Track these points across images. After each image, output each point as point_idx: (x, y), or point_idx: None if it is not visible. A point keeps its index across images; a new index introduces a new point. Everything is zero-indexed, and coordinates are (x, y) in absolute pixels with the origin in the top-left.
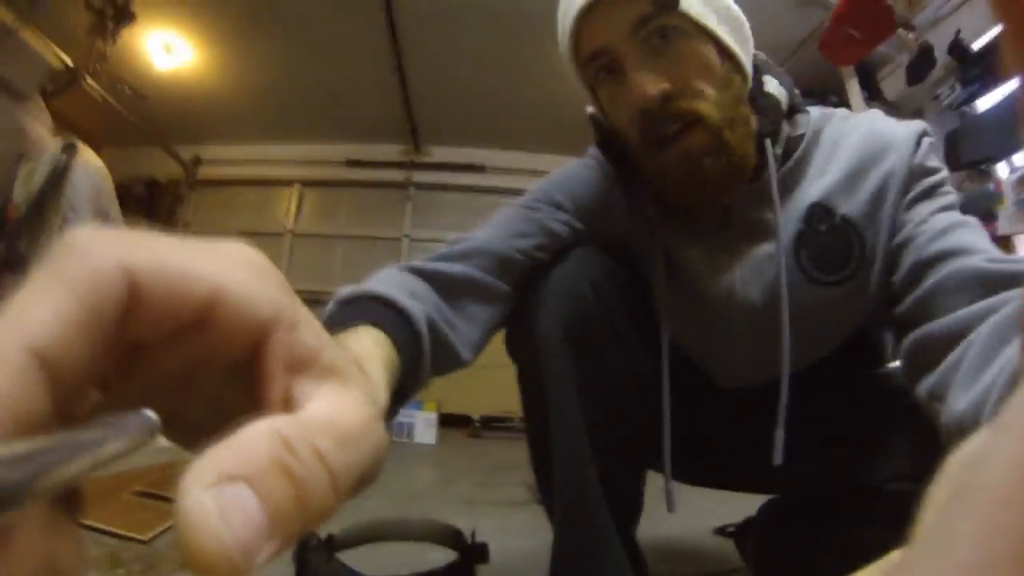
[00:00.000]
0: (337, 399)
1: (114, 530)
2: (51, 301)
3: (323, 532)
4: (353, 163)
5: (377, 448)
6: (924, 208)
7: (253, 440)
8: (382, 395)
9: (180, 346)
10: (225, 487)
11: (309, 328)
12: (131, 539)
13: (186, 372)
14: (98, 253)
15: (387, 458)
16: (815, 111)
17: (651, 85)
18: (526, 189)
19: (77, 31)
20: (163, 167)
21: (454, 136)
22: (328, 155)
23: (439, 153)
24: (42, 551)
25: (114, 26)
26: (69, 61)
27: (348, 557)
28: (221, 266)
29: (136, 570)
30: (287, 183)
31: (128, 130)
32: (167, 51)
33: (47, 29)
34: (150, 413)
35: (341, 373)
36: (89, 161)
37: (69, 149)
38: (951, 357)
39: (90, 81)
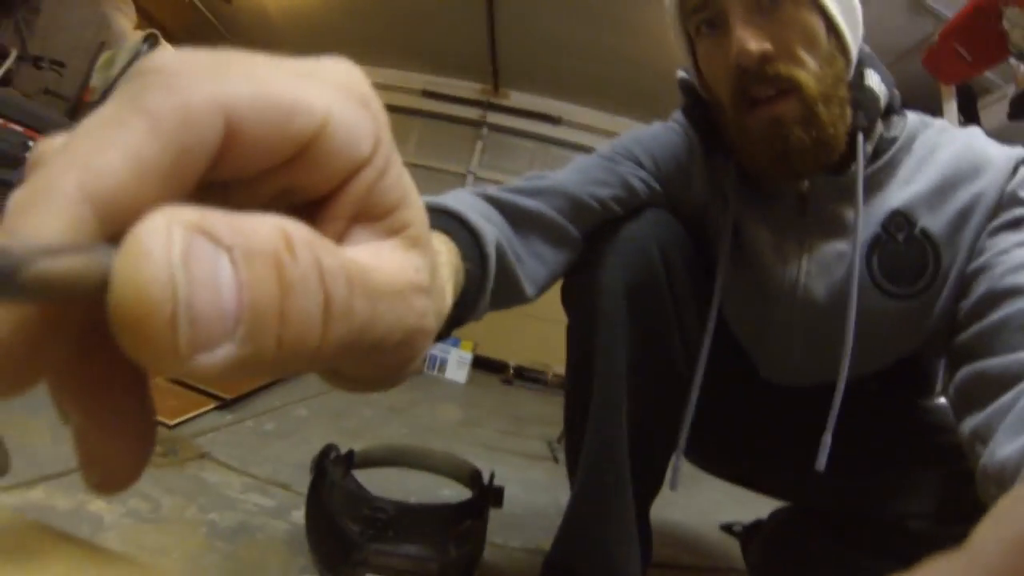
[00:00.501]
0: (386, 252)
1: None
2: (127, 139)
3: (345, 448)
4: (429, 94)
5: (405, 320)
6: (1008, 238)
7: (253, 220)
8: (447, 294)
9: (267, 181)
10: (200, 239)
11: (398, 179)
12: (157, 422)
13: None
14: (190, 85)
15: (425, 355)
16: (913, 116)
17: (754, 42)
18: (597, 148)
19: None
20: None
21: (534, 83)
22: (405, 82)
23: (517, 98)
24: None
25: None
26: None
27: (364, 476)
28: (330, 92)
29: (157, 452)
30: None
31: (209, 32)
32: None
33: None
34: None
35: (412, 238)
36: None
37: (151, 39)
38: (1003, 399)
39: None
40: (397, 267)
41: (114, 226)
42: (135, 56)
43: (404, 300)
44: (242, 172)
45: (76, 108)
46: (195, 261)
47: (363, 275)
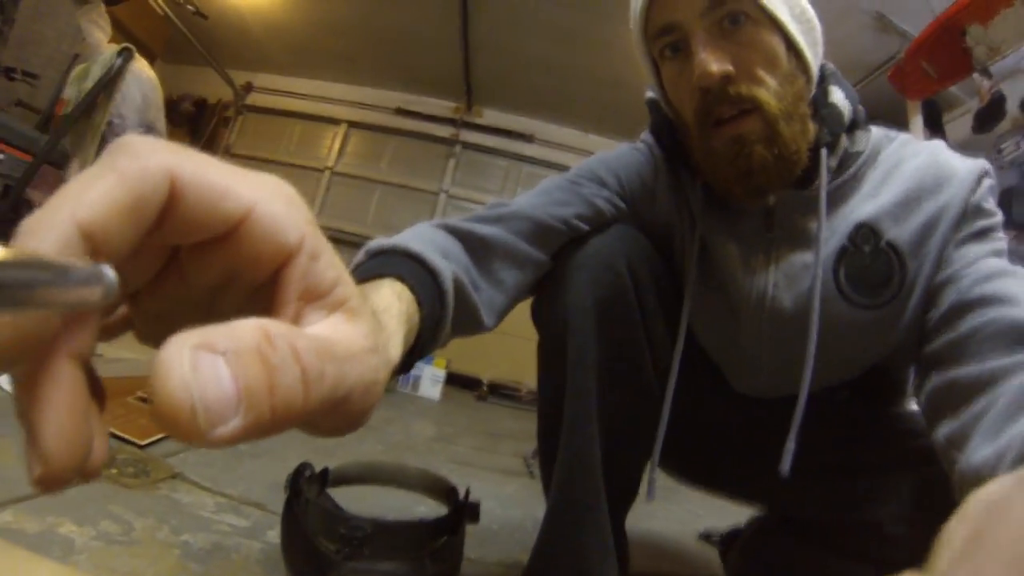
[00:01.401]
0: (337, 325)
1: (113, 431)
2: (102, 186)
3: (319, 466)
4: (403, 112)
5: (364, 376)
6: (974, 249)
7: (239, 327)
8: (394, 346)
9: (209, 260)
10: (203, 353)
11: (329, 261)
12: (128, 442)
13: (211, 291)
14: (148, 154)
15: (379, 402)
16: (877, 131)
17: (715, 64)
18: (571, 166)
19: None
20: (214, 88)
21: (508, 102)
22: (379, 100)
23: (490, 116)
24: (77, 413)
25: None
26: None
27: (339, 494)
28: (257, 188)
29: (128, 472)
30: (334, 122)
31: (184, 47)
32: None
33: None
34: (108, 270)
35: (352, 309)
36: (142, 71)
37: (125, 54)
38: (976, 406)
39: None
40: (350, 335)
41: (96, 247)
42: (109, 69)
43: (361, 361)
44: (185, 235)
45: (48, 120)
46: (201, 368)
47: (328, 347)
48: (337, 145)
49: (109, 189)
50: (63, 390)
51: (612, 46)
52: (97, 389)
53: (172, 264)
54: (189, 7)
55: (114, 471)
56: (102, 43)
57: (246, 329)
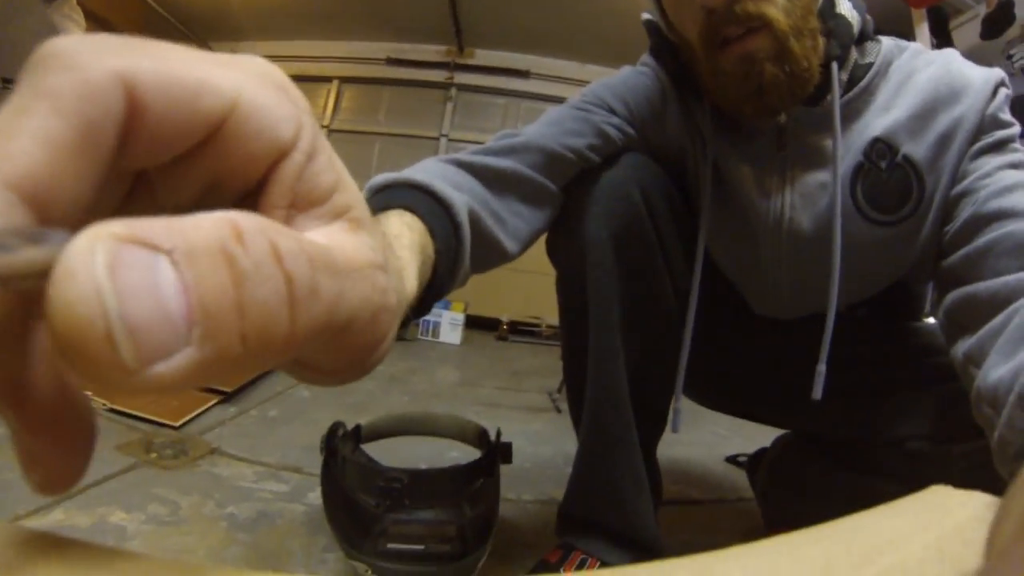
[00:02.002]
0: (336, 235)
1: (147, 416)
2: (33, 123)
3: (351, 424)
4: (394, 61)
5: (370, 298)
6: (991, 161)
7: (194, 219)
8: (408, 277)
9: (184, 173)
10: (130, 247)
11: (328, 162)
12: (163, 425)
13: (187, 209)
14: (88, 62)
15: (392, 341)
16: (887, 41)
17: None
18: (569, 97)
19: None
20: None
21: (499, 39)
22: (369, 52)
23: (483, 56)
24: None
25: None
26: None
27: (373, 448)
28: (239, 75)
29: (168, 454)
30: (325, 79)
31: (163, 27)
32: None
33: None
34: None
35: (356, 219)
36: None
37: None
38: (993, 322)
39: None
40: (353, 246)
41: (42, 207)
42: None
43: (366, 278)
44: (156, 154)
45: None
46: (125, 270)
47: (324, 254)
48: (331, 103)
49: (43, 127)
50: (43, 383)
51: None
52: None
53: (138, 187)
54: None
55: (153, 455)
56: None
57: (205, 222)
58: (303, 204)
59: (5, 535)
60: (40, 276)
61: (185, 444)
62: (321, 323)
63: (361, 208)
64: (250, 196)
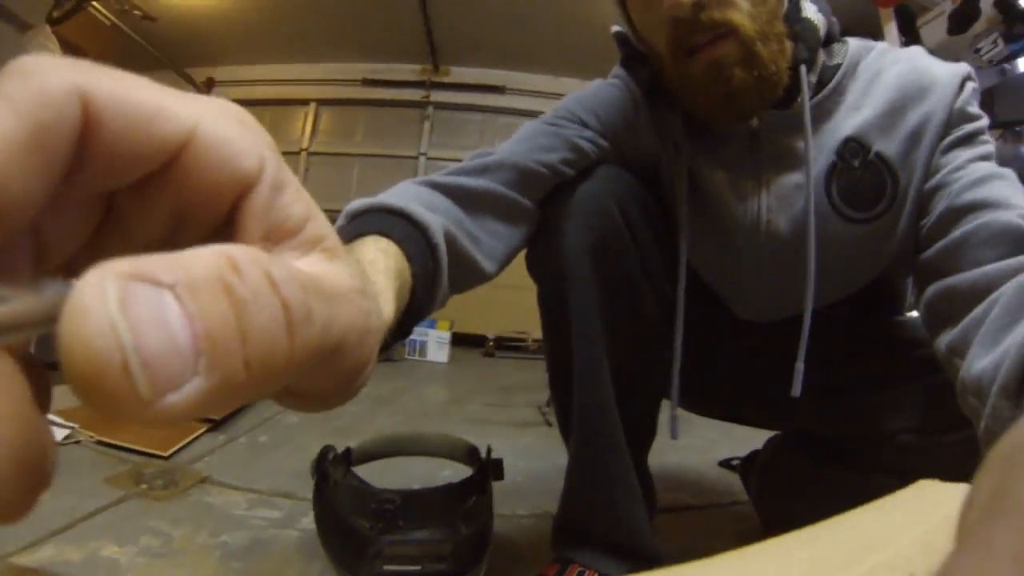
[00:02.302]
0: (316, 264)
1: (136, 447)
2: None
3: (340, 447)
4: (370, 82)
5: (356, 321)
6: (961, 154)
7: (190, 253)
8: (384, 301)
9: (150, 203)
10: (136, 284)
11: (297, 194)
12: (152, 455)
13: (159, 245)
14: (48, 74)
15: (374, 364)
16: (854, 42)
17: None
18: (546, 111)
19: None
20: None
21: (473, 56)
22: (344, 74)
23: (458, 73)
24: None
25: None
26: None
27: (364, 471)
28: (198, 107)
29: (158, 485)
30: (302, 102)
31: (139, 54)
32: None
33: None
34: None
35: (330, 249)
36: None
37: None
38: (974, 313)
39: (97, 5)
40: (335, 273)
41: None
42: None
43: (351, 302)
44: (114, 175)
45: None
46: (135, 305)
47: (314, 281)
48: (309, 125)
49: None
50: (9, 399)
51: None
52: (38, 376)
53: (109, 221)
54: (136, 12)
55: (143, 487)
56: None
57: (202, 255)
58: (277, 236)
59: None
60: (38, 325)
61: (175, 474)
62: (315, 347)
63: (333, 237)
64: (221, 232)
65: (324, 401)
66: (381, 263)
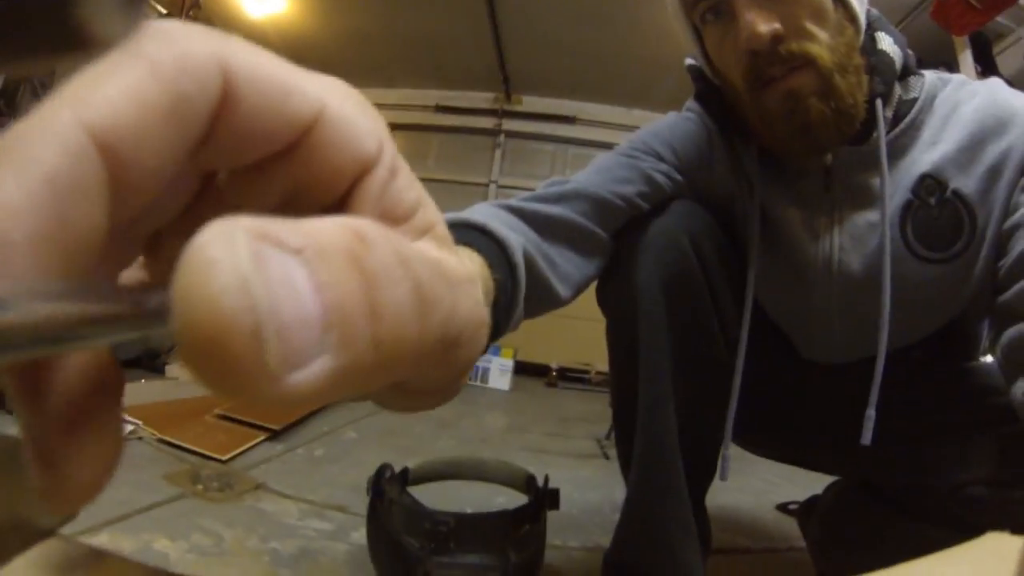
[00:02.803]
0: (431, 249)
1: (196, 448)
2: (125, 78)
3: (399, 466)
4: (442, 108)
5: (473, 311)
6: None
7: (317, 222)
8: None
9: (263, 182)
10: (266, 246)
11: (410, 179)
12: (211, 458)
13: None
14: (191, 39)
15: (483, 348)
16: (930, 75)
17: (762, 24)
18: (617, 142)
19: None
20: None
21: (545, 86)
22: (418, 100)
23: (530, 102)
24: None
25: None
26: (161, 8)
27: (419, 491)
28: (325, 87)
29: (214, 487)
30: None
31: None
32: None
33: None
34: None
35: (442, 237)
36: None
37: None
38: None
39: None
40: (451, 260)
41: (118, 166)
42: None
43: (469, 292)
44: (242, 152)
45: None
46: (270, 265)
47: (438, 264)
48: None
49: (136, 83)
50: (66, 381)
51: (642, 22)
52: (112, 373)
53: (209, 197)
54: None
55: (200, 487)
56: None
57: (328, 224)
58: (389, 220)
59: (62, 550)
60: (140, 328)
61: (231, 478)
62: (441, 333)
63: (442, 226)
64: (329, 213)
65: (437, 396)
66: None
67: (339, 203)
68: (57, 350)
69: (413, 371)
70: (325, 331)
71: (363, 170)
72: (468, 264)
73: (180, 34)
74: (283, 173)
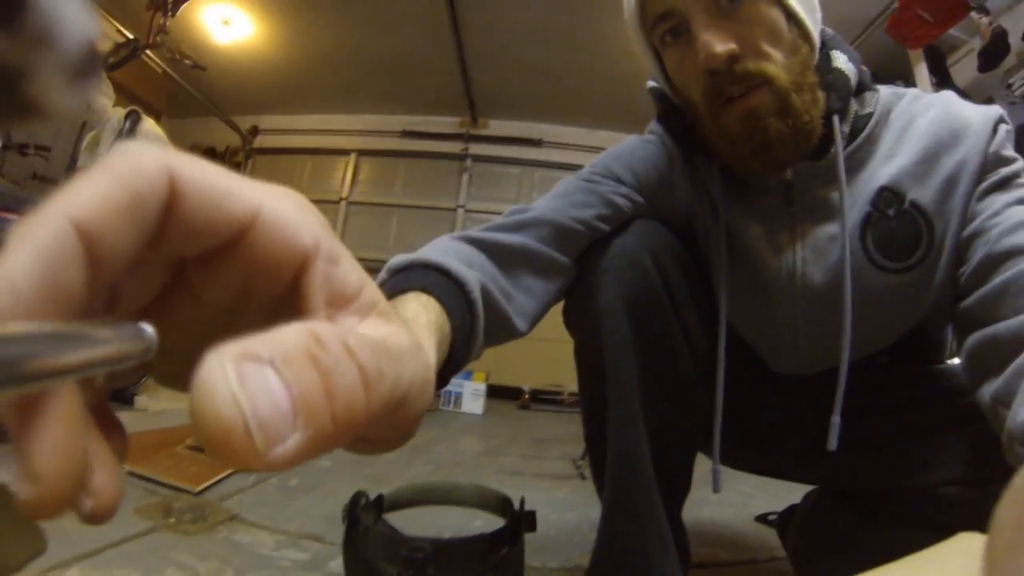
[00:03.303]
0: (377, 327)
1: (167, 481)
2: (96, 185)
3: (373, 493)
4: (409, 133)
5: (417, 374)
6: (998, 199)
7: (282, 332)
8: (428, 352)
9: (218, 273)
10: (246, 363)
11: (351, 264)
12: (182, 490)
13: (226, 312)
14: (144, 155)
15: (429, 401)
16: (885, 90)
17: (719, 44)
18: (583, 164)
19: (137, 5)
20: (221, 136)
21: (512, 109)
22: (385, 125)
23: (496, 126)
24: (76, 453)
25: (173, 1)
26: (130, 35)
27: (395, 518)
28: (262, 191)
29: (186, 519)
30: (343, 152)
31: (188, 101)
32: (225, 24)
33: (108, 3)
34: (148, 328)
35: (385, 312)
36: (150, 130)
37: (132, 116)
38: (1018, 361)
39: (150, 54)
40: (396, 332)
41: (91, 249)
42: (119, 134)
43: (412, 357)
44: (191, 242)
45: None
46: (248, 379)
47: (382, 343)
48: (349, 175)
49: (104, 187)
50: (60, 405)
51: (607, 43)
52: (111, 424)
53: (179, 287)
54: (187, 61)
55: (172, 520)
56: (107, 108)
57: (290, 333)
58: (338, 304)
59: None
60: (116, 363)
61: (204, 510)
62: (387, 399)
63: (384, 302)
64: (286, 301)
65: (390, 444)
66: (423, 317)
67: (291, 291)
68: (53, 382)
69: (368, 430)
70: (295, 416)
71: (303, 261)
72: (412, 334)
73: (139, 151)
74: (232, 265)
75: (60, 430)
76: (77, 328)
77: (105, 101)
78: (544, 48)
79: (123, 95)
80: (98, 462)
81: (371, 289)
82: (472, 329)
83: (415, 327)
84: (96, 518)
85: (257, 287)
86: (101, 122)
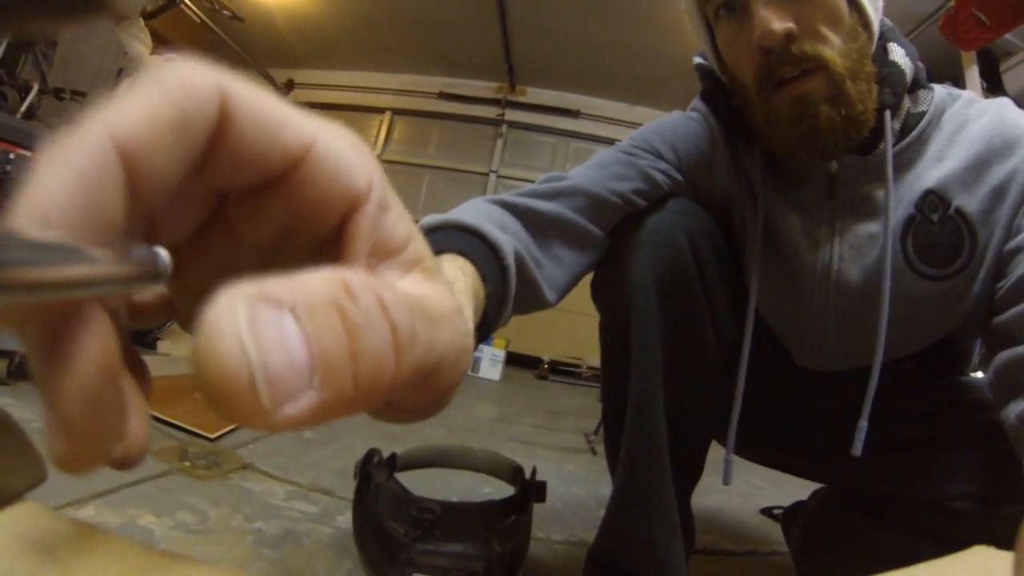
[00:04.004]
0: (418, 284)
1: (184, 425)
2: (142, 101)
3: (387, 451)
4: (446, 95)
5: (455, 342)
6: None
7: (309, 277)
8: (466, 315)
9: (263, 208)
10: (263, 307)
11: (400, 213)
12: (198, 435)
13: (265, 252)
14: (196, 71)
15: (466, 370)
16: (939, 90)
17: (777, 22)
18: (619, 139)
19: None
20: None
21: (550, 78)
22: (421, 86)
23: (534, 94)
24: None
25: None
26: None
27: (406, 478)
28: (318, 125)
29: (200, 464)
30: (378, 110)
31: (224, 52)
32: None
33: None
34: (163, 252)
35: (429, 269)
36: None
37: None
38: None
39: (189, 3)
40: (436, 295)
41: (132, 170)
42: None
43: (451, 323)
44: (238, 173)
45: None
46: (261, 326)
47: (419, 304)
48: (383, 133)
49: (150, 103)
50: (92, 344)
51: (649, 17)
52: (137, 365)
53: (218, 221)
54: (225, 12)
55: (187, 464)
56: (144, 56)
57: (318, 279)
58: (382, 254)
59: (45, 523)
60: (125, 285)
61: (219, 456)
62: (418, 366)
63: (431, 258)
64: (328, 247)
65: (419, 414)
66: (461, 282)
67: (335, 236)
68: (49, 296)
69: (394, 397)
70: (311, 373)
71: (353, 204)
72: (454, 296)
73: (189, 66)
74: (279, 202)
75: (92, 371)
76: (81, 245)
77: (142, 49)
78: (587, 20)
79: (159, 42)
80: (131, 406)
81: (419, 243)
82: (504, 296)
83: (454, 291)
84: (125, 463)
85: (301, 228)
86: (137, 67)
